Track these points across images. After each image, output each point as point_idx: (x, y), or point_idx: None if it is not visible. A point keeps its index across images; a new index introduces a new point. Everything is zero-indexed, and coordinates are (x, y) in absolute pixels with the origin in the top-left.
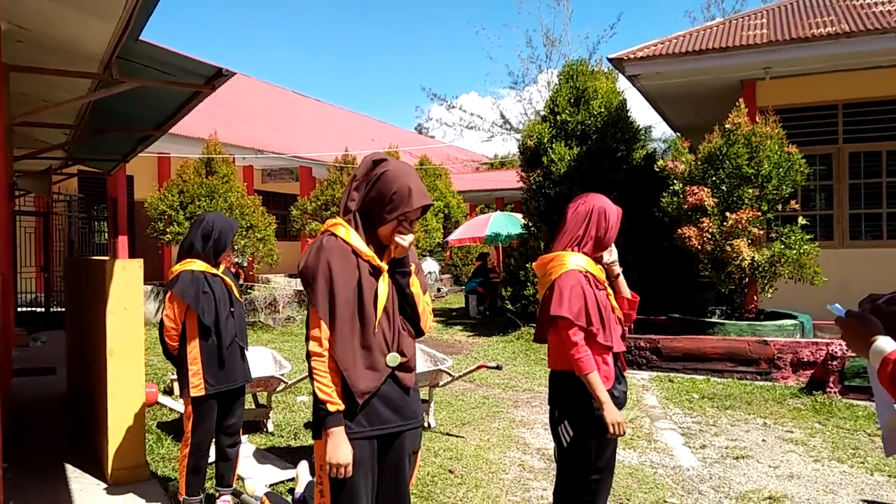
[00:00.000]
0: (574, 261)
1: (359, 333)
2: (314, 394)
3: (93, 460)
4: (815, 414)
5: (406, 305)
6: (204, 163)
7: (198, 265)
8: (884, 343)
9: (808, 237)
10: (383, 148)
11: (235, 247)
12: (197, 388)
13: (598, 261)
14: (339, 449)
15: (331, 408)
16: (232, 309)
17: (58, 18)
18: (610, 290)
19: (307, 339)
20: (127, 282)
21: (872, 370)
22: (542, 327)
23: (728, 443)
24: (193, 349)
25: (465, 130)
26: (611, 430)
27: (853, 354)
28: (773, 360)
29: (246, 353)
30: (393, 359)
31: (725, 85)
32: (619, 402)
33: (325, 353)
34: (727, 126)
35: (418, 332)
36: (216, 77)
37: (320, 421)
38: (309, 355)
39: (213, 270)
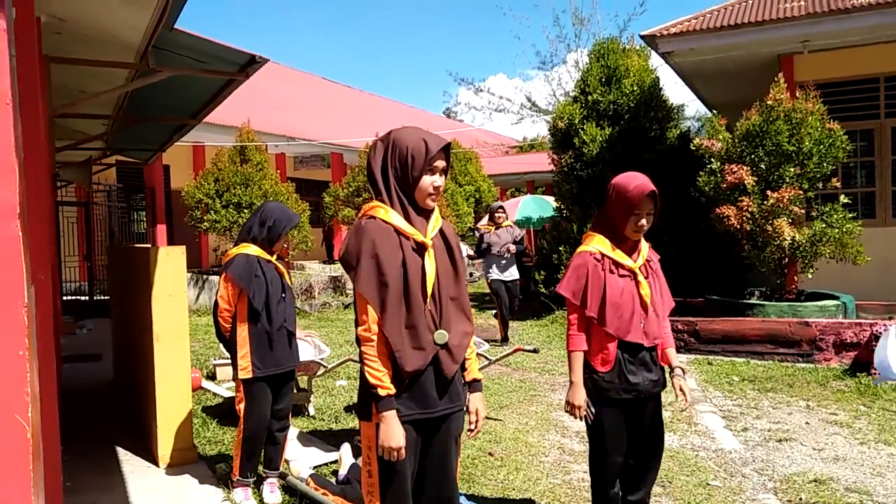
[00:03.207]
0: (588, 241)
1: (405, 313)
2: (363, 377)
3: (142, 443)
4: (860, 396)
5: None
6: (238, 151)
7: (252, 249)
8: None
9: (850, 215)
10: None
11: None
12: (245, 370)
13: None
14: (392, 432)
15: (382, 392)
16: (283, 294)
17: (94, 9)
18: (642, 280)
19: (356, 323)
20: (171, 268)
21: None
22: None
23: (770, 426)
24: (243, 332)
25: (493, 114)
26: (565, 408)
27: None
28: (814, 341)
29: (294, 338)
30: (440, 336)
31: (762, 60)
32: (641, 391)
33: (375, 337)
34: (768, 102)
35: None
36: (250, 64)
37: (368, 404)
38: (358, 340)
39: (267, 256)
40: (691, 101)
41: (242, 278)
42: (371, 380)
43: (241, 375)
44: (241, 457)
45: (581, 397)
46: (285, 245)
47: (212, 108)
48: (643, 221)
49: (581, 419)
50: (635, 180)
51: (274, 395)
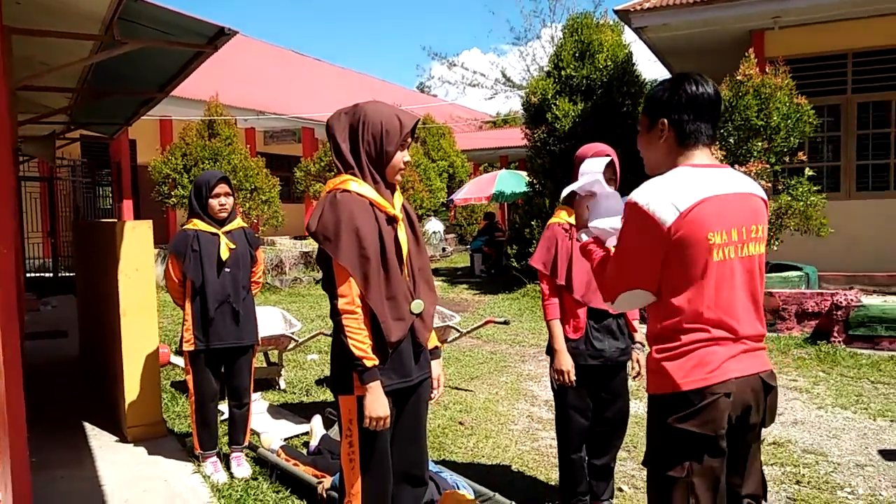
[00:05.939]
0: (558, 214)
1: (384, 284)
2: (342, 351)
3: (110, 419)
4: (820, 363)
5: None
6: (206, 125)
7: (195, 224)
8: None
9: (814, 188)
10: None
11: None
12: (188, 342)
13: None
14: (379, 402)
15: (368, 363)
16: (227, 269)
17: None
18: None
19: (334, 296)
20: (137, 243)
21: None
22: None
23: None
24: (188, 306)
25: (467, 88)
26: (554, 376)
27: (858, 304)
28: (777, 311)
29: (241, 314)
30: (417, 305)
31: (734, 36)
32: (607, 357)
33: (358, 310)
34: (738, 78)
35: None
36: (218, 36)
37: (348, 376)
38: (338, 313)
39: (212, 229)
40: (664, 76)
41: (179, 253)
42: (356, 352)
43: (185, 348)
44: (196, 427)
45: (568, 362)
46: (224, 204)
47: (179, 81)
48: None
49: (571, 384)
50: (593, 148)
51: (227, 371)
